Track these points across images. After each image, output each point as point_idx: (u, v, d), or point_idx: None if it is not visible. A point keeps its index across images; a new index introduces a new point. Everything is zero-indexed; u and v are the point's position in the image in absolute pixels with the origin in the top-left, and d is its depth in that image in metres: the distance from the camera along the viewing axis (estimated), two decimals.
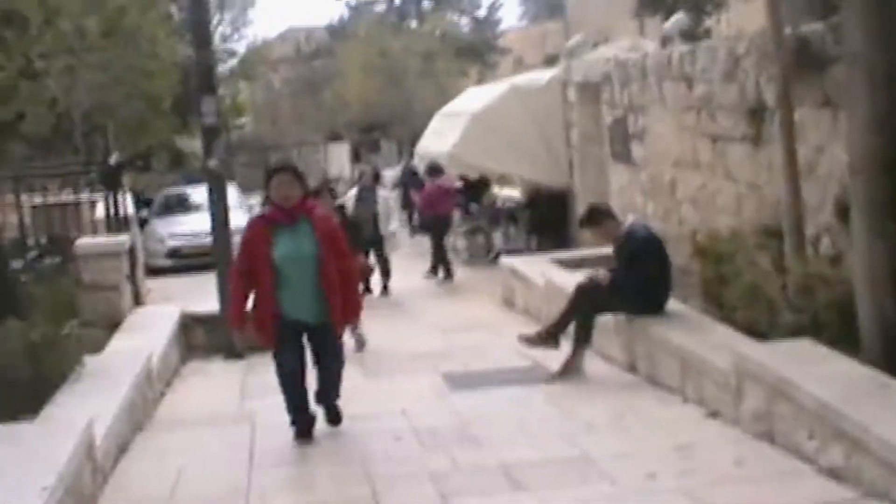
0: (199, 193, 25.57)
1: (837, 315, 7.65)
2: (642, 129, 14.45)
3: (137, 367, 8.77)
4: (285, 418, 7.66)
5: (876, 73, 6.76)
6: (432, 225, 17.37)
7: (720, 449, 6.54)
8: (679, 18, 15.73)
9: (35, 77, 21.25)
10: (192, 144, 48.66)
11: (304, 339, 7.49)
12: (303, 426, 7.52)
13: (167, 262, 21.56)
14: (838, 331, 7.49)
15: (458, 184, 19.16)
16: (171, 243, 22.14)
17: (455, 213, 18.44)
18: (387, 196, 16.16)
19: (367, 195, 15.38)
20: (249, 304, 7.45)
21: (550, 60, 48.60)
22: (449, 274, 16.76)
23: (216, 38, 38.70)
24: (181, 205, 25.02)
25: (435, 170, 17.61)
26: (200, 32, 10.83)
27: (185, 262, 20.98)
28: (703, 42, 12.97)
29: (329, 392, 7.67)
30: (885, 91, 6.75)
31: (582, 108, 17.52)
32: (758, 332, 8.10)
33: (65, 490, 5.67)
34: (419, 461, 6.79)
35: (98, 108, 22.28)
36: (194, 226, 22.02)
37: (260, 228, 7.43)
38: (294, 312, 7.31)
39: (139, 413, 8.35)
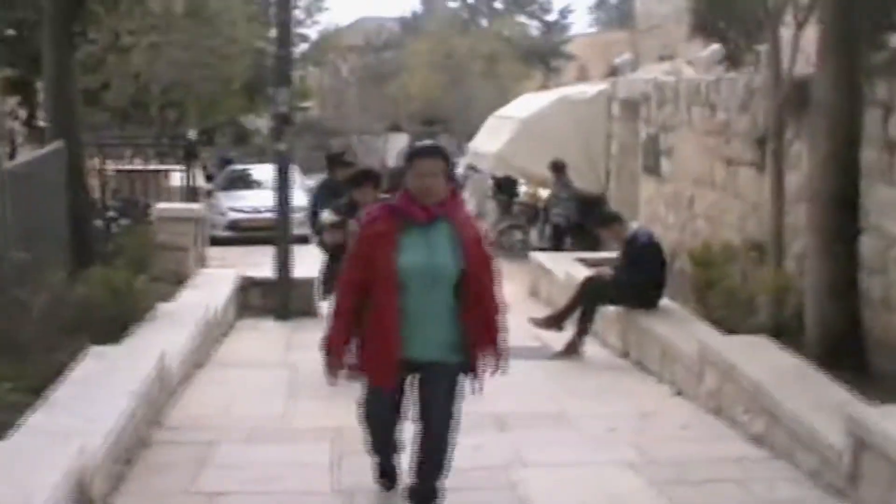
0: (259, 171, 27.55)
1: (798, 320, 9.02)
2: (670, 147, 15.81)
3: (200, 314, 10.27)
4: (321, 367, 9.14)
5: (833, 117, 8.12)
6: None
7: (674, 417, 7.96)
8: (715, 49, 17.01)
9: (122, 51, 22.97)
10: (256, 122, 50.46)
11: (407, 382, 5.61)
12: (385, 470, 6.01)
13: (226, 234, 23.12)
14: (796, 332, 8.86)
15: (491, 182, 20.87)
16: (232, 216, 23.73)
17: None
18: None
19: None
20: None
21: (614, 71, 49.66)
22: None
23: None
24: (243, 181, 26.68)
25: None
26: (284, 32, 12.33)
27: (242, 234, 22.51)
28: (726, 74, 14.29)
29: (431, 468, 5.62)
30: (839, 134, 8.11)
31: (623, 123, 18.90)
32: (732, 331, 9.45)
33: (143, 398, 7.18)
34: None
35: (176, 85, 23.96)
36: (254, 201, 23.86)
37: (385, 223, 5.42)
38: (410, 346, 5.38)
39: (201, 353, 9.86)
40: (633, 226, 10.87)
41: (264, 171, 27.82)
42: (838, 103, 8.14)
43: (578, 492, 6.05)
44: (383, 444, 5.84)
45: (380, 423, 5.73)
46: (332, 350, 5.53)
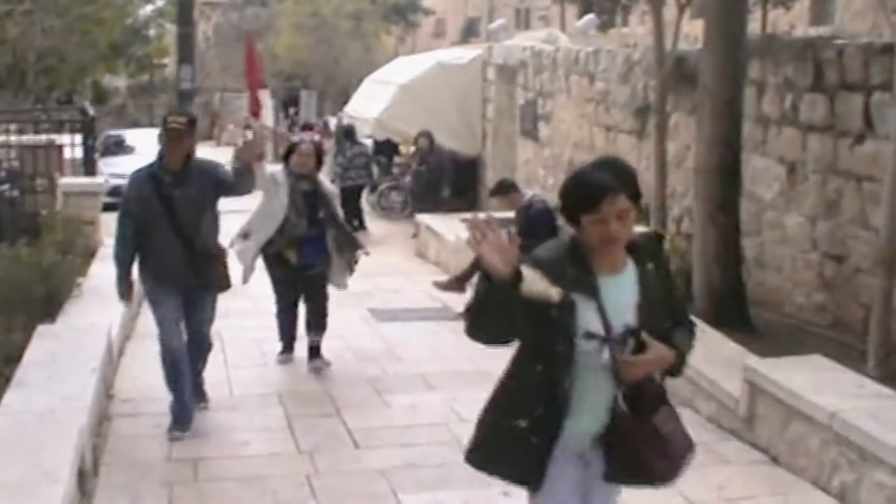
0: (132, 137, 27.90)
1: (684, 280, 9.97)
2: (549, 113, 16.69)
3: None
4: (247, 335, 9.80)
5: (718, 101, 9.05)
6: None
7: None
8: (590, 19, 17.98)
9: None
10: (114, 82, 49.85)
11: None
12: None
13: (109, 200, 23.34)
14: (680, 290, 9.80)
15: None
16: (113, 182, 23.92)
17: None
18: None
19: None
20: None
21: (471, 24, 50.54)
22: (362, 225, 18.36)
23: None
24: (118, 146, 27.03)
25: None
26: (185, 11, 12.77)
27: None
28: (605, 46, 15.22)
29: None
30: (723, 116, 9.05)
31: (499, 87, 19.74)
32: None
33: (100, 373, 7.73)
34: (357, 370, 8.94)
35: (52, 52, 23.89)
36: (132, 167, 24.11)
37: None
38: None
39: (128, 325, 10.38)
40: (529, 193, 11.68)
41: (137, 137, 28.19)
42: (722, 88, 9.07)
43: None
44: None
45: None
46: None
